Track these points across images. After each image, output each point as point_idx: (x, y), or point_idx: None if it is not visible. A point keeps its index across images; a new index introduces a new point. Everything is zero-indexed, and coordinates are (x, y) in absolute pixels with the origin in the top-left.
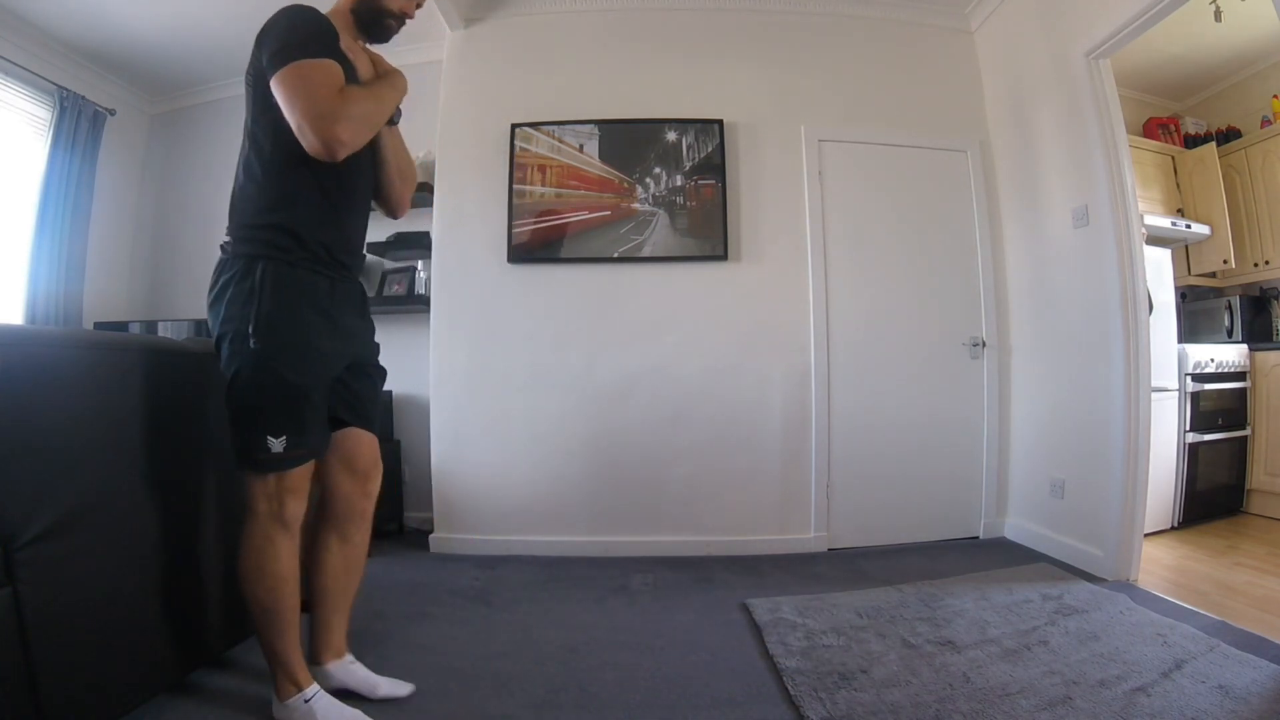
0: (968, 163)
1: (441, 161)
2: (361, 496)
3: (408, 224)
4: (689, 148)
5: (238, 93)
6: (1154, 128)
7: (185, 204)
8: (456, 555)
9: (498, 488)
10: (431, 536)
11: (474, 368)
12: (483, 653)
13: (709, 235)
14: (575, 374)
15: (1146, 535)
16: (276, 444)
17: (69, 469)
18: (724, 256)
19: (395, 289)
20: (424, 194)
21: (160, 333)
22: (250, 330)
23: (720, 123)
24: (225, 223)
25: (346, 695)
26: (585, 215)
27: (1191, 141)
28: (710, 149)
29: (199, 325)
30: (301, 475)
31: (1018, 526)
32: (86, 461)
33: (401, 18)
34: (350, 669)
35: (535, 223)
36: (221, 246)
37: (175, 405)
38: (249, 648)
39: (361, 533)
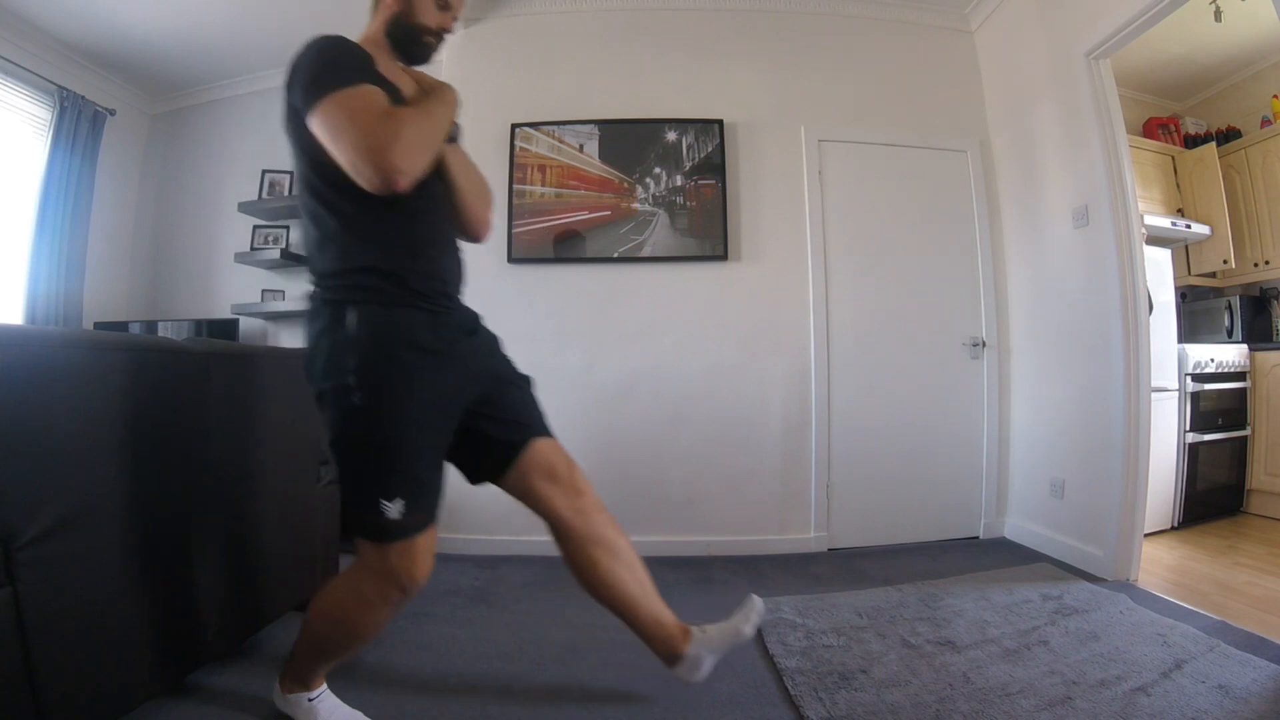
0: (968, 163)
1: None
2: (578, 497)
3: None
4: (689, 148)
5: (237, 93)
6: (1154, 128)
7: (185, 204)
8: (456, 555)
9: (498, 487)
10: None
11: None
12: (483, 653)
13: (709, 235)
14: (575, 374)
15: (1146, 535)
16: (393, 509)
17: (69, 469)
18: (724, 256)
19: None
20: None
21: (160, 333)
22: (352, 384)
23: (720, 123)
24: (226, 223)
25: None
26: (585, 215)
27: (1191, 141)
28: (710, 149)
29: (199, 325)
30: (429, 539)
31: (1018, 526)
32: (86, 461)
33: (440, 34)
34: (705, 651)
35: (535, 222)
36: (309, 295)
37: (176, 405)
38: (249, 648)
39: (614, 529)
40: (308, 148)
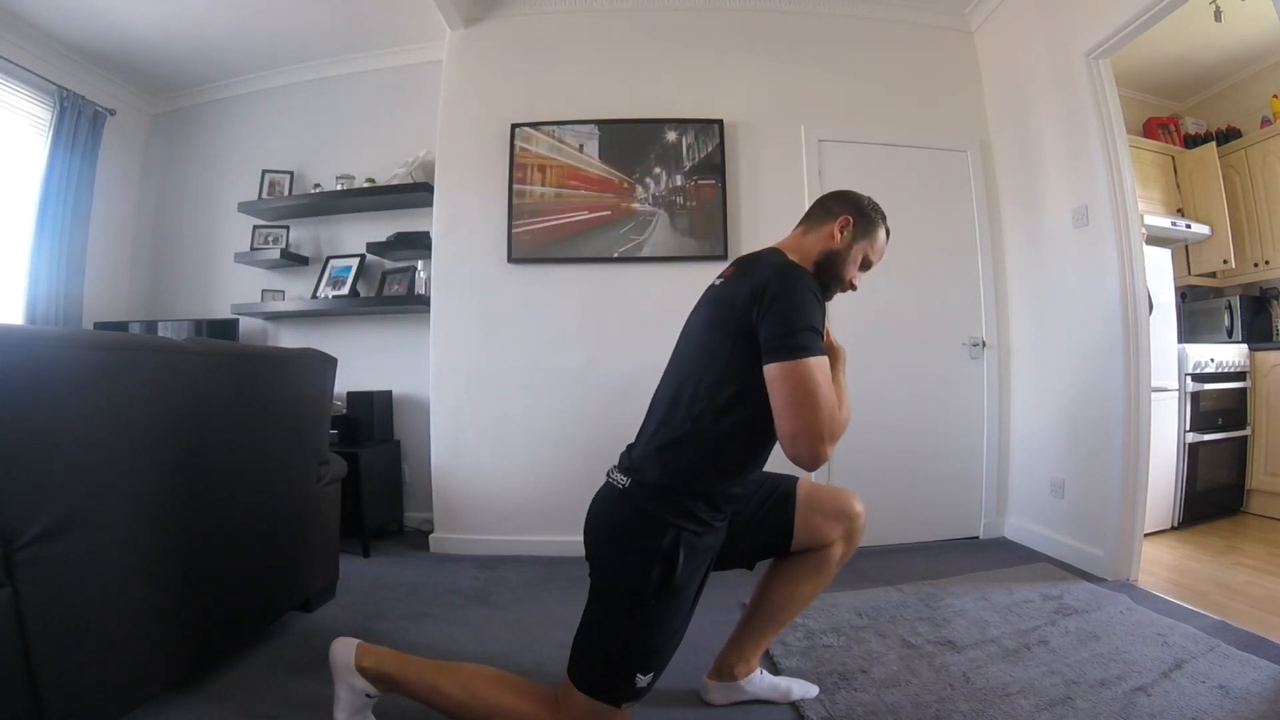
0: (968, 163)
1: (442, 161)
2: (853, 521)
3: (408, 224)
4: (689, 148)
5: (237, 93)
6: (1154, 128)
7: (185, 204)
8: (456, 555)
9: (498, 488)
10: (431, 536)
11: (474, 368)
12: (483, 653)
13: (709, 235)
14: (575, 374)
15: (1146, 535)
16: (644, 680)
17: (69, 469)
18: (724, 256)
19: (395, 289)
20: (424, 194)
21: (160, 333)
22: (650, 594)
23: (720, 123)
24: (226, 223)
25: (757, 705)
26: (585, 215)
27: (1191, 141)
28: (710, 149)
29: (199, 325)
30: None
31: (1018, 526)
32: (86, 461)
33: (848, 288)
34: (762, 680)
35: (535, 222)
36: (628, 484)
37: (175, 405)
38: (249, 647)
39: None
40: (746, 369)
